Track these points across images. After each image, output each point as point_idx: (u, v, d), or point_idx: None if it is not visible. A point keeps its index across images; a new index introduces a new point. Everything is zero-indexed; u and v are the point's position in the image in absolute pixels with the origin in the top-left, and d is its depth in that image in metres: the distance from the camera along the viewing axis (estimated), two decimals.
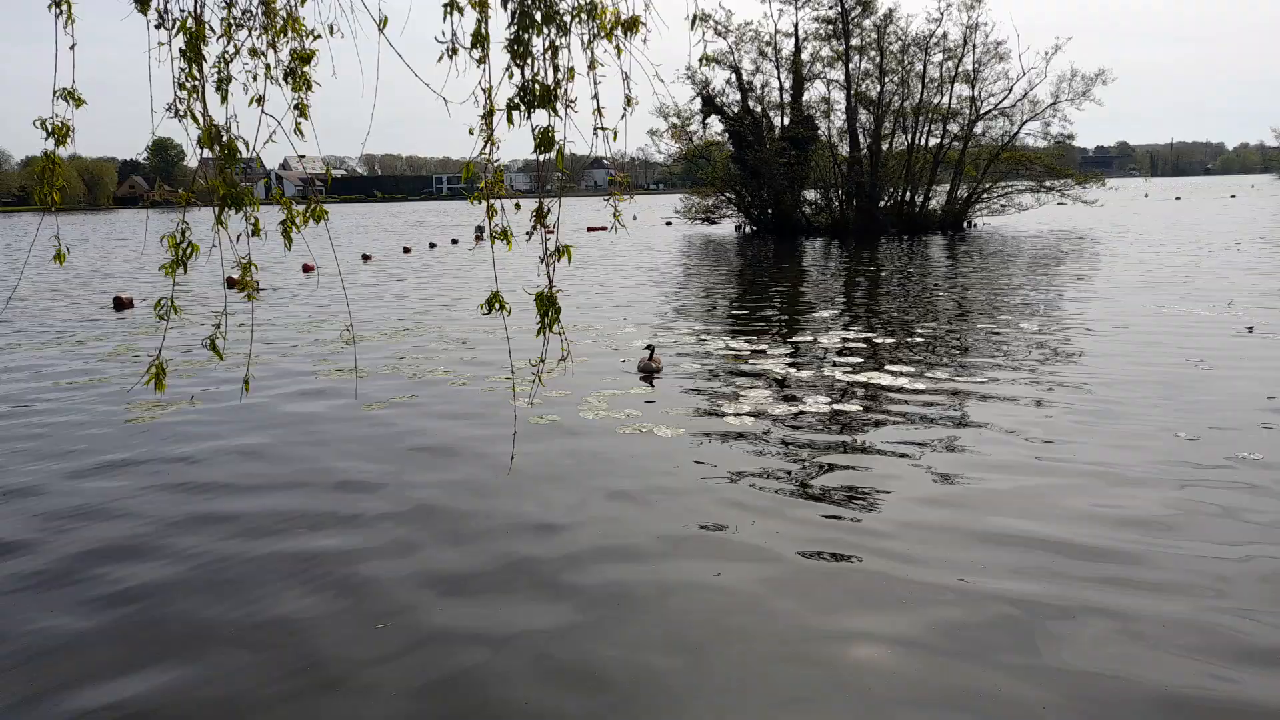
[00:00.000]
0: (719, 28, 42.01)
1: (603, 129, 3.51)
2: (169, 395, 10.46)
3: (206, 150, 3.58)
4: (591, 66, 3.48)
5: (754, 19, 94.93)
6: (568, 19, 3.39)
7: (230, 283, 23.87)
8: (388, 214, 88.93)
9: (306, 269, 28.32)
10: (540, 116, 3.44)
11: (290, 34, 3.66)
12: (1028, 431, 8.28)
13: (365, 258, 33.58)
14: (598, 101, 3.50)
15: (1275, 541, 5.74)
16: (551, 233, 3.62)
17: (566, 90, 3.43)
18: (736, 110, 43.18)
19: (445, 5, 3.34)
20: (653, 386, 10.58)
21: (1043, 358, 11.65)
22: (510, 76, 3.39)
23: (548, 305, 3.57)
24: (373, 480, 7.43)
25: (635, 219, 64.78)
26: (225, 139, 3.55)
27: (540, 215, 3.57)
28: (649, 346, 11.47)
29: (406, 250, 37.05)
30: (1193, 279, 19.84)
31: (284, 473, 7.72)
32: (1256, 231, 34.26)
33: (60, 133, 3.47)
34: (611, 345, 13.45)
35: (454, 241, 41.18)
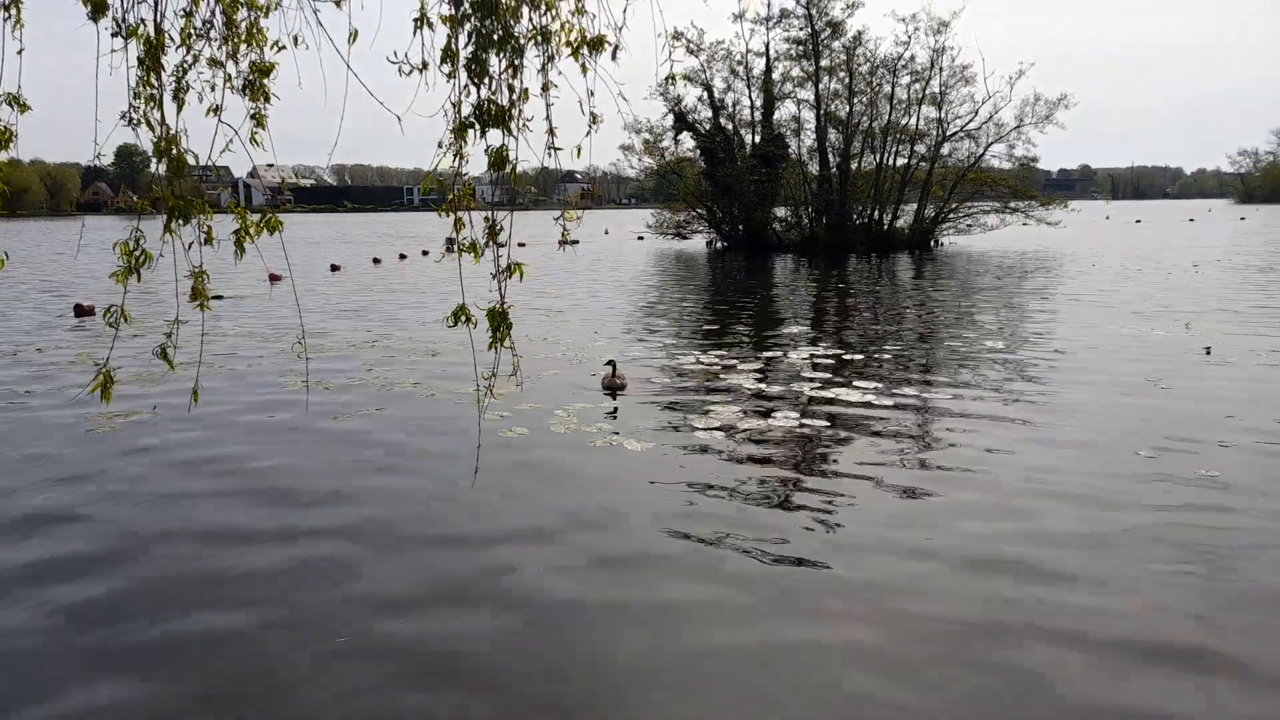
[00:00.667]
0: (691, 46, 42.38)
1: (556, 149, 3.59)
2: (131, 404, 10.28)
3: (162, 160, 3.55)
4: (545, 88, 3.54)
5: (726, 38, 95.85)
6: (523, 41, 3.45)
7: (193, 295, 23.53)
8: (356, 224, 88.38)
9: (273, 278, 28.04)
10: (494, 136, 3.49)
11: (252, 45, 3.65)
12: (990, 449, 8.39)
13: (334, 268, 33.29)
14: (550, 122, 3.57)
15: (1235, 559, 5.85)
16: (504, 247, 3.65)
17: (521, 110, 3.49)
18: (708, 127, 43.49)
19: (415, 20, 3.37)
20: (615, 401, 10.58)
21: (1006, 376, 11.82)
22: (468, 95, 3.44)
23: (499, 320, 3.62)
24: (322, 494, 7.35)
25: (607, 233, 64.92)
26: (175, 151, 3.53)
27: (493, 232, 3.61)
28: (610, 362, 11.44)
29: (377, 261, 36.79)
30: (1152, 300, 20.27)
31: (234, 485, 7.60)
32: (1214, 254, 35.11)
33: (3, 138, 3.43)
34: (582, 358, 13.44)
35: (424, 253, 40.96)
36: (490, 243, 3.61)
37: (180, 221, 3.57)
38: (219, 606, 5.33)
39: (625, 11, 3.50)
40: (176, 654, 4.81)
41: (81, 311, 18.88)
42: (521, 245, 4.05)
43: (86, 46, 3.49)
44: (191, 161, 3.63)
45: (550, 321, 17.84)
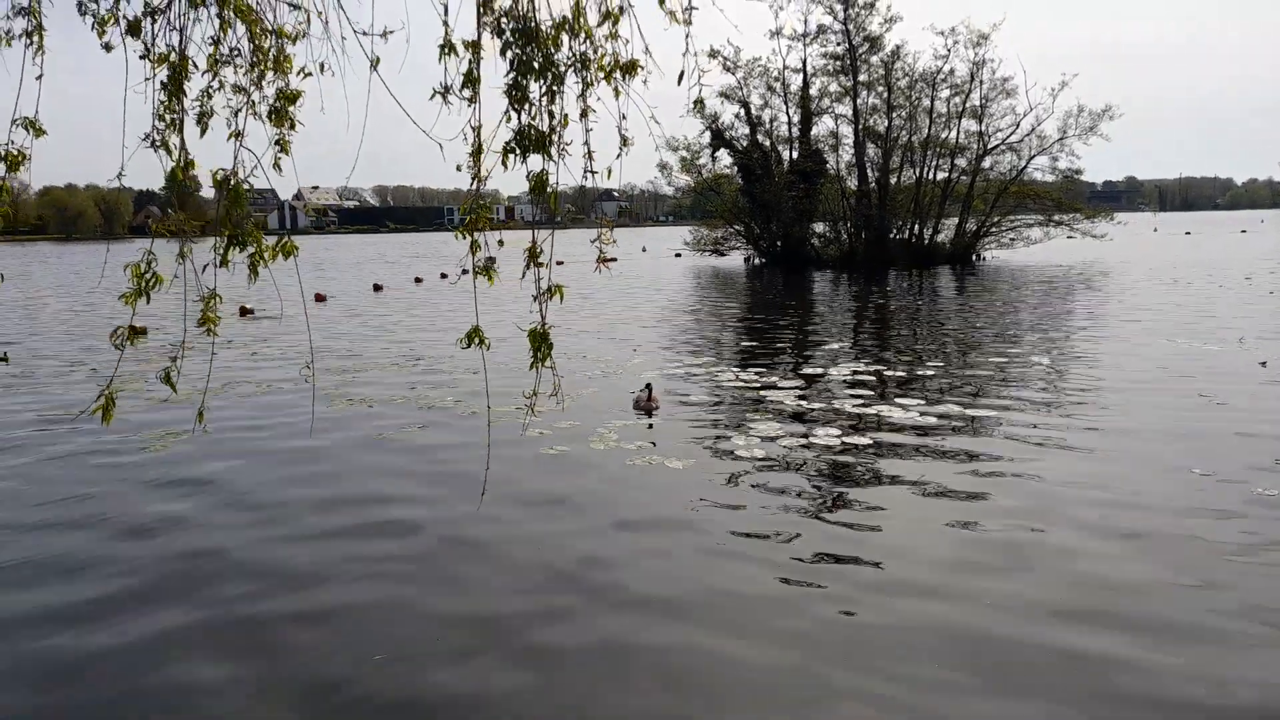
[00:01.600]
0: (728, 64, 42.51)
1: (593, 172, 3.64)
2: (179, 425, 10.52)
3: (221, 189, 3.63)
4: (584, 114, 3.59)
5: (763, 55, 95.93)
6: (563, 68, 3.51)
7: (242, 312, 23.99)
8: (396, 244, 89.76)
9: (319, 298, 28.56)
10: (535, 161, 3.55)
11: (279, 73, 3.73)
12: (1040, 468, 8.23)
13: (377, 288, 33.81)
14: (589, 147, 3.65)
15: None
16: (544, 267, 3.68)
17: (560, 135, 3.54)
18: (745, 144, 43.51)
19: (441, 47, 3.44)
20: (653, 418, 10.56)
21: (1054, 393, 11.60)
22: (508, 120, 3.49)
23: (540, 341, 3.65)
24: (339, 510, 7.42)
25: (644, 251, 65.09)
26: (233, 183, 3.61)
27: (533, 254, 3.64)
28: (647, 385, 11.33)
29: (418, 280, 37.28)
30: (1204, 314, 19.78)
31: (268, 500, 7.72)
32: (1267, 266, 34.20)
33: (14, 159, 3.54)
34: (621, 376, 13.47)
35: (443, 276, 40.93)
36: (530, 264, 3.65)
37: (238, 249, 3.65)
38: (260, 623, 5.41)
39: (656, 36, 3.54)
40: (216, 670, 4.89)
41: (134, 333, 19.38)
42: (560, 264, 4.07)
43: (136, 72, 3.60)
44: (244, 187, 3.71)
45: (588, 339, 17.91)
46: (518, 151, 3.49)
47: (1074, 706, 4.36)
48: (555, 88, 3.48)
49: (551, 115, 3.51)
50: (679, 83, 3.58)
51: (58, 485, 8.27)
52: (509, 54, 3.45)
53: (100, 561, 6.38)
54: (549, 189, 3.57)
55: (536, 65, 3.43)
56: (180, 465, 8.91)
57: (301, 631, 5.30)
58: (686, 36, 3.57)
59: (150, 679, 4.79)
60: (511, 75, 3.44)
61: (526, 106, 3.48)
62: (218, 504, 7.68)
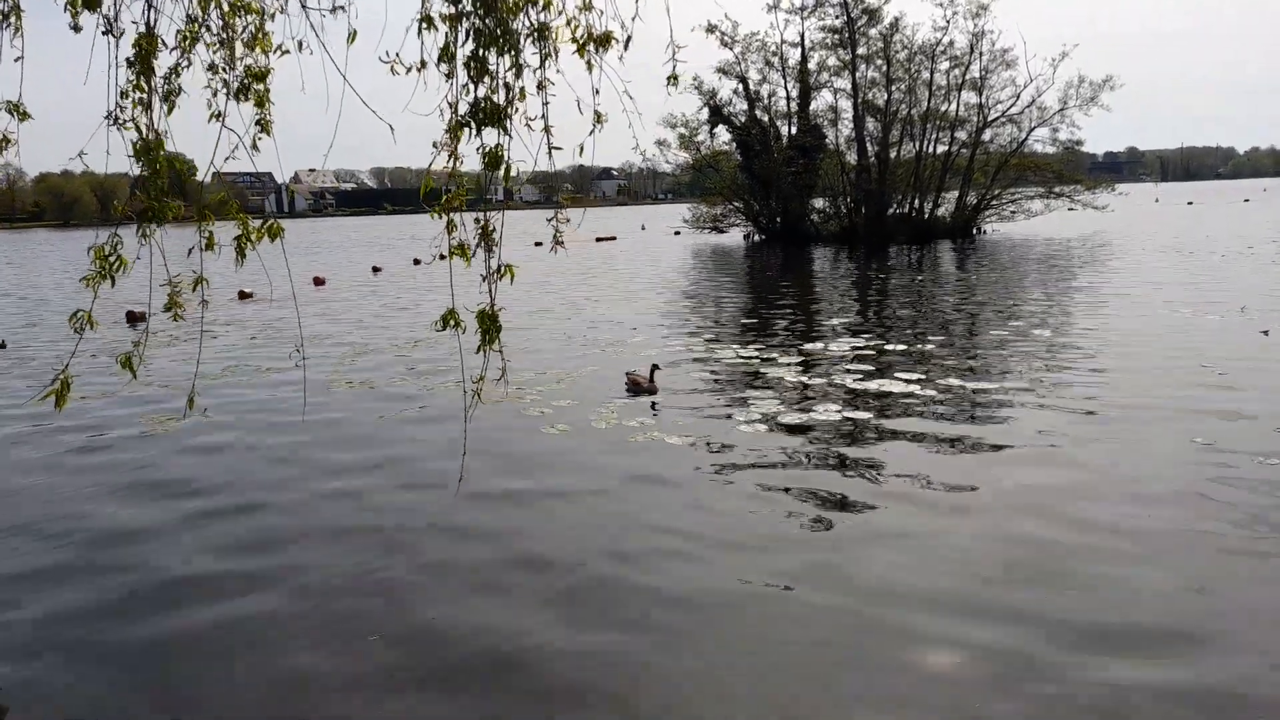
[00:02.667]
0: (725, 38, 42.15)
1: (556, 148, 3.49)
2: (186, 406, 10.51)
3: (141, 161, 3.51)
4: (541, 86, 3.46)
5: (760, 29, 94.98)
6: (521, 38, 3.37)
7: (241, 295, 23.90)
8: (394, 226, 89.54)
9: (318, 281, 28.48)
10: (490, 135, 3.42)
11: (255, 50, 3.64)
12: (1043, 440, 8.22)
13: (375, 270, 33.73)
14: (546, 120, 3.48)
15: None
16: (496, 247, 3.55)
17: (519, 109, 3.41)
18: (744, 120, 43.23)
19: (419, 21, 3.33)
20: (653, 401, 10.53)
21: (1056, 365, 11.58)
22: (466, 94, 3.37)
23: (489, 323, 3.52)
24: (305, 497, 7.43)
25: (644, 229, 64.84)
26: (152, 154, 3.49)
27: (485, 233, 3.52)
28: (653, 366, 11.06)
29: (417, 262, 37.16)
30: (1206, 284, 19.72)
31: (266, 479, 7.73)
32: (1269, 235, 34.05)
33: None
34: (621, 354, 13.45)
35: (416, 261, 40.52)
36: (481, 244, 3.52)
37: (155, 225, 3.52)
38: (238, 606, 5.43)
39: (637, 5, 3.41)
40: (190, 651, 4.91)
41: (134, 318, 19.34)
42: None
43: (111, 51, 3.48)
44: (172, 161, 3.58)
45: (588, 318, 17.87)
46: (472, 125, 3.36)
47: (1058, 657, 4.38)
48: (519, 61, 3.36)
49: (508, 88, 3.38)
50: (666, 46, 3.48)
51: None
52: (465, 24, 3.31)
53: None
54: (504, 163, 3.43)
55: (487, 32, 3.28)
56: (175, 453, 8.92)
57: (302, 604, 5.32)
58: (666, 10, 3.47)
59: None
60: (469, 46, 3.32)
61: (487, 79, 3.36)
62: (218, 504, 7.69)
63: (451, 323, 3.57)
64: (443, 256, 3.68)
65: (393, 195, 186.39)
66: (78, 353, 4.58)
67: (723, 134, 44.30)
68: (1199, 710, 4.10)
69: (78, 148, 3.56)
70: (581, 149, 3.50)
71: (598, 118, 3.44)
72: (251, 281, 22.78)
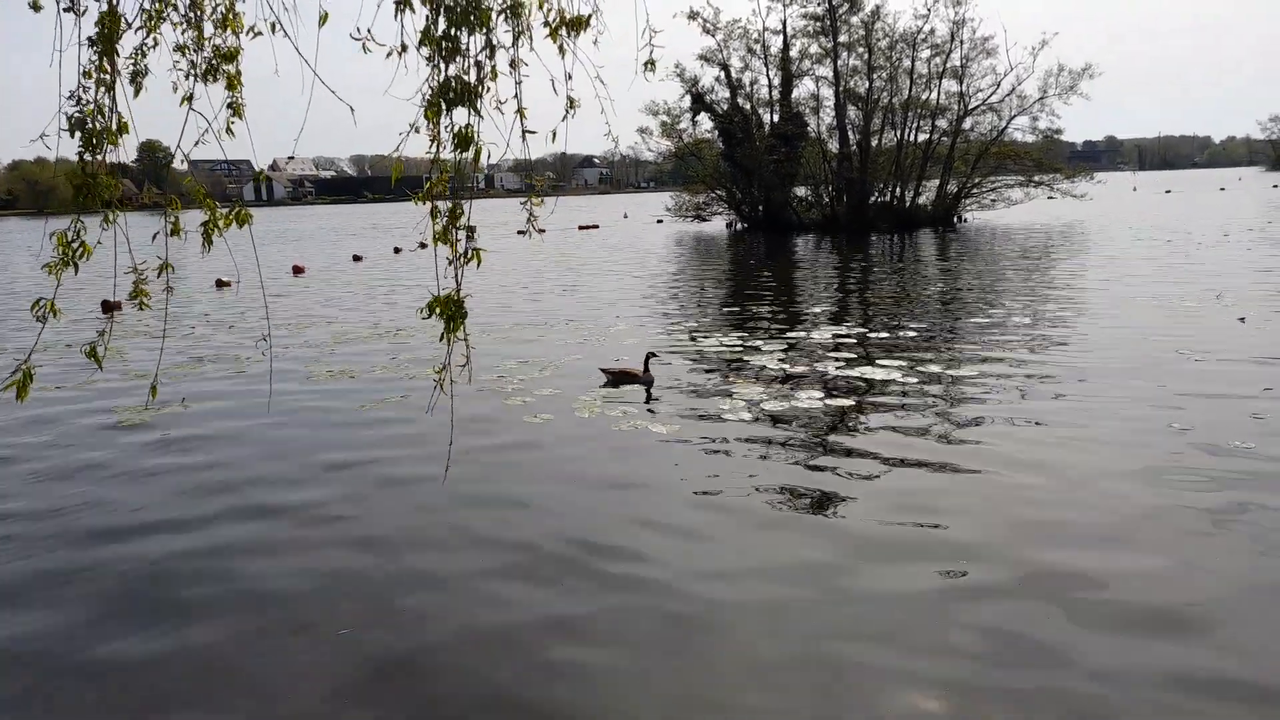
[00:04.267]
0: (707, 25, 42.01)
1: (530, 131, 3.40)
2: (164, 398, 10.40)
3: (75, 135, 3.36)
4: (514, 64, 3.36)
5: (742, 16, 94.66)
6: (494, 15, 3.28)
7: (219, 284, 23.66)
8: (373, 215, 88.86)
9: (297, 270, 28.25)
10: (460, 115, 3.32)
11: (228, 30, 3.53)
12: (1021, 424, 8.29)
13: (356, 258, 33.49)
14: (519, 100, 3.38)
15: (1269, 537, 5.74)
16: (463, 231, 3.45)
17: (488, 89, 3.31)
18: (726, 108, 43.16)
19: (396, 3, 3.25)
20: (637, 386, 10.52)
21: (1034, 351, 11.66)
22: (437, 73, 3.28)
23: (452, 310, 3.42)
24: (284, 488, 7.39)
25: (626, 217, 64.68)
26: (88, 125, 3.34)
27: (454, 216, 3.43)
28: (650, 354, 10.81)
29: (398, 250, 36.92)
30: (1182, 271, 19.91)
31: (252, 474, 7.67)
32: (1244, 223, 34.42)
33: None
34: (603, 343, 13.42)
35: (396, 250, 39.98)
36: (451, 227, 3.43)
37: (85, 198, 3.38)
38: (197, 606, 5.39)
39: None
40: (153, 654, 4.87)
41: (109, 307, 19.11)
42: (542, 231, 3.98)
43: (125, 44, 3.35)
44: (125, 143, 3.44)
45: (570, 306, 17.82)
46: (441, 104, 3.27)
47: (1046, 634, 4.42)
48: (492, 40, 3.27)
49: (479, 66, 3.30)
50: (643, 30, 3.41)
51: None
52: (432, 2, 3.22)
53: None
54: (474, 145, 3.32)
55: (467, 10, 3.20)
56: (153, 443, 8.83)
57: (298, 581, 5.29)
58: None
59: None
60: (443, 24, 3.23)
61: (459, 59, 3.28)
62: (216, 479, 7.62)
63: (438, 310, 3.49)
64: (423, 245, 3.59)
65: (372, 183, 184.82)
66: (48, 345, 4.47)
67: (705, 122, 44.26)
68: (1186, 691, 4.15)
69: (51, 134, 3.44)
70: (555, 135, 3.42)
71: (570, 103, 3.38)
72: (228, 270, 22.53)
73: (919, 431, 8.19)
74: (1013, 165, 43.40)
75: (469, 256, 3.42)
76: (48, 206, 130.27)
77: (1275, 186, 75.00)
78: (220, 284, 23.15)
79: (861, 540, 5.87)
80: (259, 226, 3.81)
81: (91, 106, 3.33)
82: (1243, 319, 13.24)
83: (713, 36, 42.27)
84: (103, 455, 8.33)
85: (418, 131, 3.32)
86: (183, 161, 3.51)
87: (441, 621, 5.00)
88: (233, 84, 3.55)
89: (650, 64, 3.49)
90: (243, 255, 4.70)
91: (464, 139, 3.33)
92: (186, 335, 15.35)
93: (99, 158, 3.32)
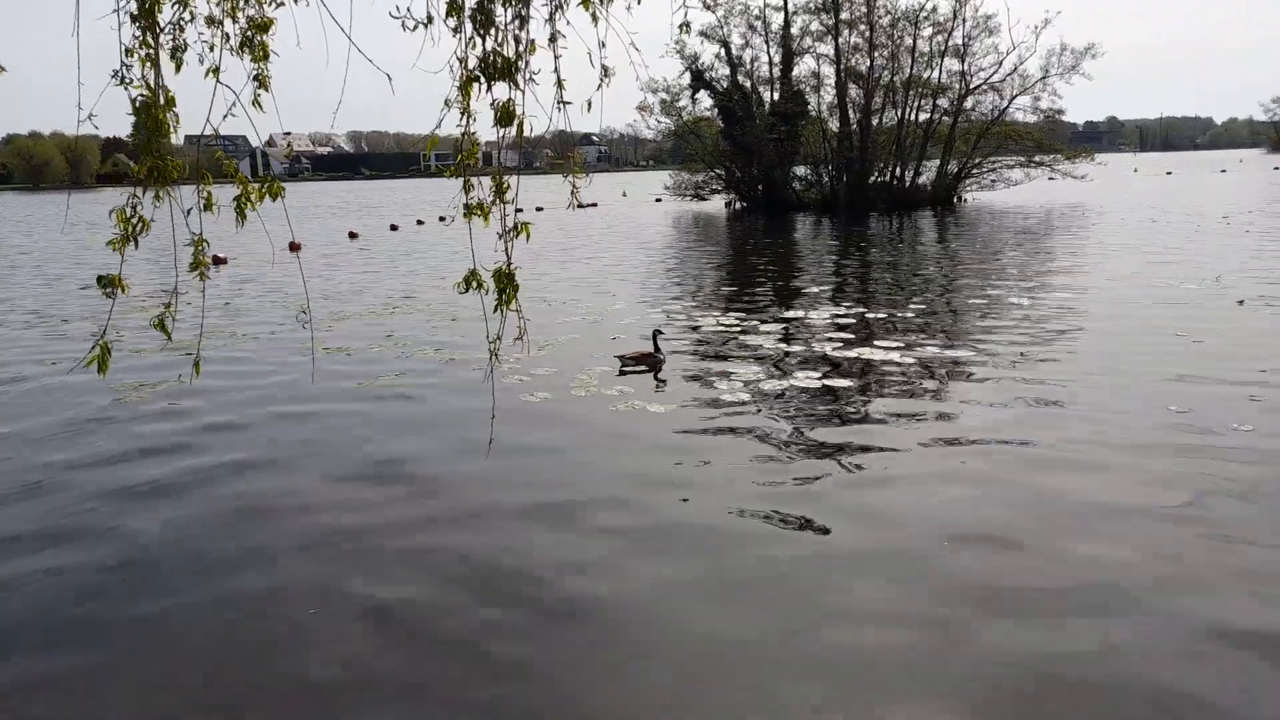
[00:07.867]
0: (708, 2, 41.57)
1: (565, 103, 3.39)
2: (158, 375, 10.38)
3: (139, 117, 3.37)
4: (552, 39, 3.36)
5: None
6: None
7: (215, 261, 23.55)
8: (367, 191, 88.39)
9: (294, 247, 28.11)
10: (500, 90, 3.33)
11: (250, 1, 3.50)
12: (1019, 406, 8.28)
13: (352, 235, 33.34)
14: (559, 74, 3.37)
15: (1268, 518, 5.76)
16: (510, 205, 3.51)
17: (528, 62, 3.31)
18: (726, 85, 42.81)
19: None
20: (638, 366, 10.49)
21: (1033, 332, 11.64)
22: (473, 48, 3.27)
23: (505, 282, 3.48)
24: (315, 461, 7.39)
25: (625, 195, 64.40)
26: (154, 110, 3.36)
27: (500, 190, 3.46)
28: (657, 331, 10.73)
29: (394, 228, 36.78)
30: (1182, 254, 19.86)
31: (259, 457, 7.67)
32: (1245, 205, 34.32)
33: None
34: (601, 322, 13.39)
35: (419, 223, 39.98)
36: (497, 201, 3.47)
37: (158, 183, 3.40)
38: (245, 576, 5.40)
39: None
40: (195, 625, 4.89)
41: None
42: (539, 210, 3.95)
43: (111, 20, 3.31)
44: (184, 124, 3.47)
45: (568, 285, 17.77)
46: (482, 80, 3.28)
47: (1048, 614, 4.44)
48: (523, 12, 3.27)
49: (518, 40, 3.30)
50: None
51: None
52: None
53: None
54: (516, 119, 3.37)
55: None
56: (175, 418, 8.82)
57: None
58: None
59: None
60: None
61: (493, 32, 3.28)
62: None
63: (475, 284, 3.55)
64: (442, 219, 3.62)
65: (370, 159, 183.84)
66: (113, 317, 4.47)
67: (705, 99, 43.92)
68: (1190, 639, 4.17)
69: (48, 107, 3.42)
70: (589, 105, 3.42)
71: (605, 72, 3.38)
72: (228, 246, 22.42)
73: (916, 413, 8.19)
74: (1013, 146, 43.18)
75: (518, 230, 3.47)
76: (43, 181, 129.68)
77: (1277, 169, 74.78)
78: (216, 260, 23.03)
79: (857, 518, 5.88)
80: (282, 202, 3.80)
81: (138, 82, 3.31)
82: (1241, 302, 13.21)
83: (713, 12, 41.86)
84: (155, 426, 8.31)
85: (448, 106, 3.31)
86: (206, 133, 3.47)
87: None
88: (265, 55, 3.52)
89: (685, 26, 3.53)
90: (242, 232, 4.66)
91: (507, 113, 3.33)
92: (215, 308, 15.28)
93: (164, 140, 3.34)
